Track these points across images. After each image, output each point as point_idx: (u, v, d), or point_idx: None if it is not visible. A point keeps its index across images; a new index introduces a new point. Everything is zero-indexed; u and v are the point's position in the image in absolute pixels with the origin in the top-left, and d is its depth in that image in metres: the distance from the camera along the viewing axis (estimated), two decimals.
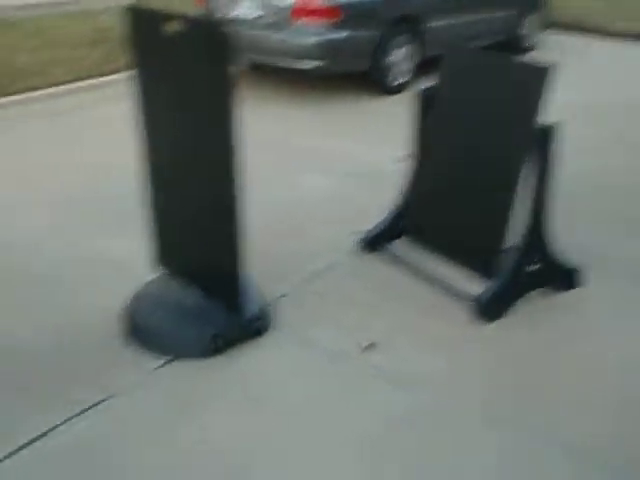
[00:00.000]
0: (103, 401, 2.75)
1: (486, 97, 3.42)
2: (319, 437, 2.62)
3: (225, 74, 2.61)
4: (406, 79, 7.23)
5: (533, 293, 3.48)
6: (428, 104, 3.67)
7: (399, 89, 7.15)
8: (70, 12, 9.43)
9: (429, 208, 3.70)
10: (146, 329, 3.09)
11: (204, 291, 3.11)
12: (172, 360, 2.98)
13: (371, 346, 3.11)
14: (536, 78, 3.13)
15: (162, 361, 2.97)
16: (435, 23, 7.36)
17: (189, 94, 2.75)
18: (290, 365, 3.01)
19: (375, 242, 3.89)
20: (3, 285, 3.54)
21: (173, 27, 2.74)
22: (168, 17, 2.80)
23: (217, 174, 2.77)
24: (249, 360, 3.01)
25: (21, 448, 2.50)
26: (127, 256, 3.73)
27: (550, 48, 9.48)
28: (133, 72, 3.05)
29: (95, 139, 5.65)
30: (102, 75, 7.22)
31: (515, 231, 3.34)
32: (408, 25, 7.11)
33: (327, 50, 6.50)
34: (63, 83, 6.93)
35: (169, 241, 3.24)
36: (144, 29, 2.90)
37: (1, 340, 3.10)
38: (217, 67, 2.60)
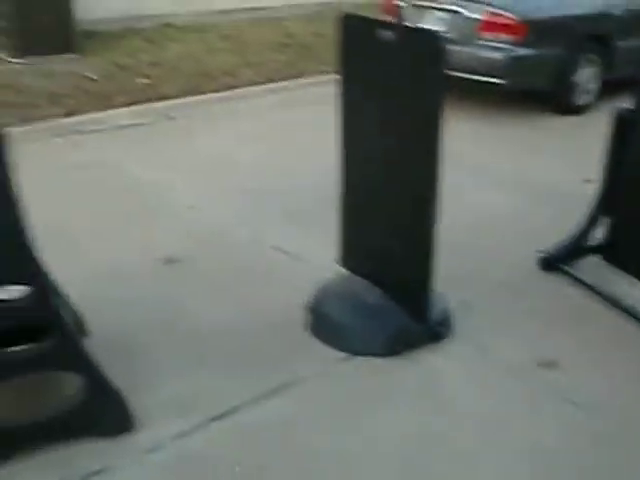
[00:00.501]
0: (289, 385, 2.90)
1: None
2: (492, 443, 2.65)
3: (439, 84, 2.68)
4: (590, 99, 7.01)
5: None
6: (624, 125, 3.57)
7: (581, 109, 6.95)
8: (259, 18, 9.92)
9: (630, 229, 3.57)
10: (329, 323, 3.22)
11: (388, 293, 3.20)
12: (353, 355, 3.10)
13: (548, 364, 3.08)
14: None
15: (343, 355, 3.10)
16: (625, 43, 7.09)
17: (399, 101, 2.85)
18: (467, 372, 3.04)
19: (557, 261, 3.83)
20: (198, 270, 3.81)
21: (388, 35, 2.85)
22: (383, 25, 2.92)
23: (419, 181, 2.85)
24: (428, 363, 3.08)
25: (214, 419, 2.70)
26: (307, 252, 3.91)
27: None
28: (339, 76, 3.18)
29: (281, 138, 5.93)
30: (288, 78, 7.54)
31: None
32: (597, 44, 6.90)
33: (511, 67, 6.44)
34: (252, 84, 7.31)
35: (357, 242, 3.36)
36: (357, 35, 3.03)
37: (200, 322, 3.35)
38: (431, 76, 2.68)
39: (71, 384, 2.55)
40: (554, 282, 3.75)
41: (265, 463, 2.54)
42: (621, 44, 7.04)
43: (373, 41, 2.91)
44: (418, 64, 2.73)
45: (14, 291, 2.30)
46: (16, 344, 2.39)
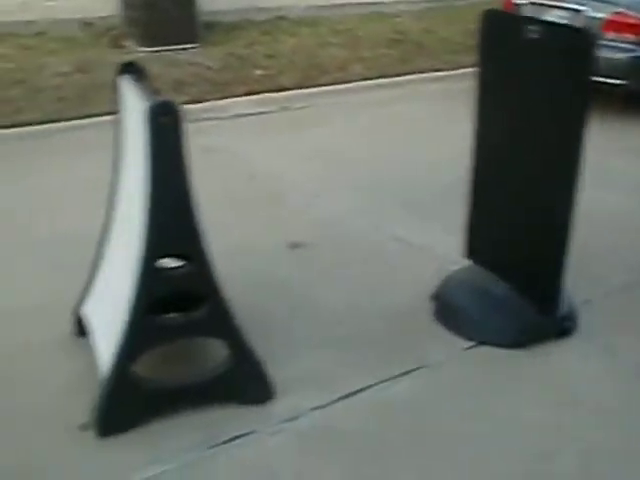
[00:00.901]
0: (418, 369, 3.00)
1: None
2: (616, 440, 2.66)
3: (585, 81, 2.71)
4: None
5: None
6: None
7: None
8: (370, 14, 10.01)
9: None
10: (457, 312, 3.29)
11: (518, 286, 3.23)
12: (480, 344, 3.16)
13: None
14: None
15: (470, 343, 3.16)
16: None
17: (541, 97, 2.89)
18: (593, 369, 3.06)
19: None
20: (323, 256, 3.95)
21: (533, 31, 2.89)
22: (528, 20, 2.96)
23: (558, 179, 2.88)
24: (554, 357, 3.11)
25: (348, 395, 2.82)
26: (428, 243, 4.00)
27: None
28: (478, 70, 3.23)
29: (396, 132, 6.01)
30: (400, 74, 7.61)
31: None
32: None
33: (634, 68, 6.31)
34: (364, 79, 7.42)
35: (486, 235, 3.41)
36: (500, 31, 3.07)
37: (326, 304, 3.49)
38: (579, 73, 2.71)
39: (220, 351, 2.72)
40: None
41: (396, 439, 2.64)
42: None
43: (517, 37, 2.95)
44: (565, 61, 2.75)
45: (180, 261, 2.48)
46: (172, 310, 2.58)
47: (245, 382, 2.72)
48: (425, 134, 5.89)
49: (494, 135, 3.22)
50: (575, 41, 2.71)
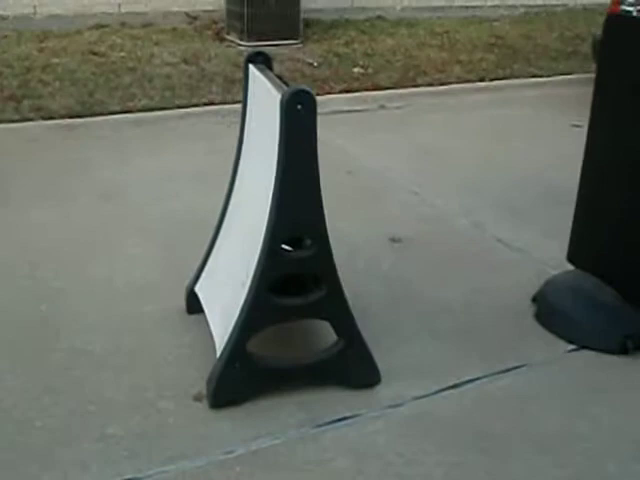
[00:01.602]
0: (520, 367, 3.03)
1: None
2: None
3: None
4: None
5: None
6: None
7: None
8: (467, 17, 10.00)
9: None
10: (560, 315, 3.30)
11: (623, 292, 3.22)
12: (581, 348, 3.17)
13: None
14: None
15: (573, 346, 3.17)
16: None
17: None
18: None
19: None
20: (424, 251, 4.01)
21: None
22: None
23: None
24: None
25: (450, 387, 2.89)
26: (529, 245, 4.03)
27: None
28: (598, 75, 3.22)
29: (494, 134, 6.02)
30: (498, 78, 7.59)
31: None
32: None
33: None
34: (462, 82, 7.44)
35: (592, 240, 3.40)
36: (624, 36, 3.06)
37: (428, 298, 3.55)
38: None
39: (330, 335, 2.82)
40: None
41: (498, 430, 2.68)
42: None
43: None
44: None
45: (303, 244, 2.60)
46: (289, 291, 2.69)
47: (353, 367, 2.80)
48: (523, 138, 5.88)
49: (609, 143, 3.21)
50: None
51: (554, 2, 10.75)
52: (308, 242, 2.61)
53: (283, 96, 2.40)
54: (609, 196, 3.27)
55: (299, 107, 2.37)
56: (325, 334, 2.87)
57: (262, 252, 2.54)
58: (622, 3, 7.12)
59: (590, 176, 3.35)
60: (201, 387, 2.75)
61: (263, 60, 2.99)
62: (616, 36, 3.10)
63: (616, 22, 3.12)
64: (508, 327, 3.33)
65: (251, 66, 2.99)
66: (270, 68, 2.97)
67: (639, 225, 3.10)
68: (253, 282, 2.58)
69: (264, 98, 2.73)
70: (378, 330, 3.18)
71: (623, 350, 3.13)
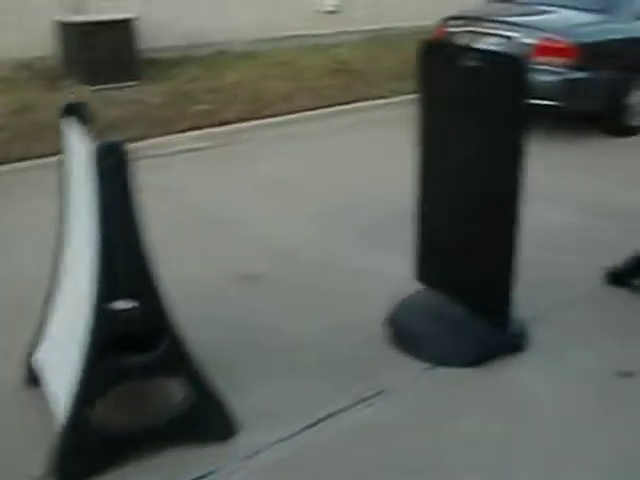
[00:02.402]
0: (379, 393, 3.02)
1: None
2: (573, 452, 2.72)
3: (520, 107, 2.81)
4: None
5: None
6: None
7: (635, 130, 7.01)
8: (308, 45, 10.16)
9: None
10: (412, 335, 3.35)
11: (469, 305, 3.30)
12: (435, 366, 3.20)
13: (630, 373, 3.15)
14: None
15: (428, 365, 3.21)
16: None
17: (481, 122, 2.99)
18: (547, 383, 3.13)
19: (625, 276, 3.91)
20: (277, 286, 3.96)
21: (471, 59, 2.99)
22: (465, 50, 3.06)
23: (501, 200, 2.97)
24: (509, 374, 3.18)
25: (309, 426, 2.83)
26: (383, 268, 4.04)
27: None
28: (419, 100, 3.32)
29: (342, 160, 6.11)
30: (344, 103, 7.72)
31: None
32: None
33: (566, 90, 6.54)
34: (308, 109, 7.51)
35: (434, 258, 3.48)
36: (438, 61, 3.17)
37: (283, 336, 3.49)
38: (513, 99, 2.82)
39: (179, 390, 2.69)
40: (623, 296, 3.83)
41: (366, 463, 2.65)
42: None
43: (455, 65, 3.04)
44: (501, 88, 2.86)
45: (132, 302, 2.46)
46: (129, 351, 2.55)
47: (206, 420, 2.70)
48: (373, 161, 5.98)
49: (437, 162, 3.31)
50: (510, 68, 2.81)
51: (391, 25, 11.12)
52: (138, 299, 2.48)
53: (93, 151, 2.28)
54: (444, 214, 3.35)
55: (110, 160, 2.26)
56: (174, 389, 2.74)
57: (90, 314, 2.40)
58: (448, 25, 7.47)
59: (424, 197, 3.43)
60: (45, 467, 2.55)
61: (79, 111, 2.84)
62: (429, 60, 3.20)
63: (428, 46, 3.21)
64: (365, 355, 3.32)
65: (67, 119, 2.84)
66: (87, 119, 2.83)
67: (475, 241, 3.19)
68: (85, 346, 2.43)
69: (79, 153, 2.60)
70: (235, 375, 3.09)
71: (475, 363, 3.19)
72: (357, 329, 3.51)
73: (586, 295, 3.85)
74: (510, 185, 2.92)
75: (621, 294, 3.86)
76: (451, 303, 3.39)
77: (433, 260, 3.50)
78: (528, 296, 3.69)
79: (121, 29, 7.67)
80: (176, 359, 2.59)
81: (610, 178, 5.73)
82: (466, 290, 3.32)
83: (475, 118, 3.01)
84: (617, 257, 3.98)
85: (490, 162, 2.99)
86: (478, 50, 3.01)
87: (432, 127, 3.28)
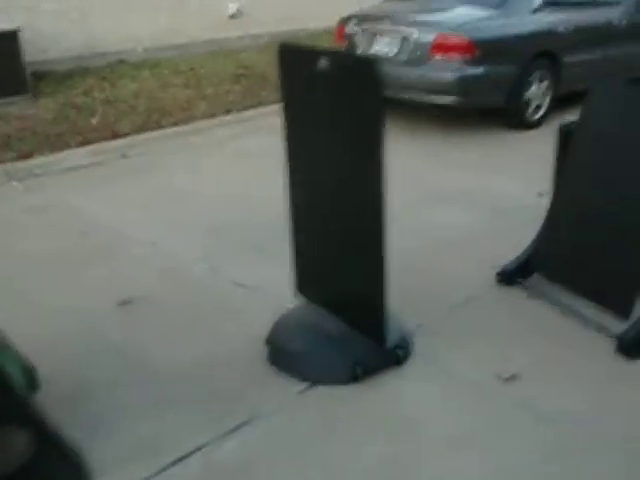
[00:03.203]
0: (253, 420, 2.85)
1: (632, 129, 3.33)
2: (459, 464, 2.61)
3: (377, 109, 2.68)
4: (543, 114, 7.12)
5: None
6: (568, 139, 3.63)
7: (536, 124, 7.05)
8: (211, 50, 9.96)
9: (564, 244, 3.63)
10: (289, 354, 3.18)
11: (346, 320, 3.16)
12: (314, 385, 3.05)
13: (513, 378, 3.07)
14: None
15: (305, 385, 3.05)
16: (572, 58, 7.23)
17: (339, 128, 2.85)
18: (430, 394, 3.01)
19: (513, 276, 3.84)
20: (155, 309, 3.75)
21: (325, 63, 2.85)
22: (320, 53, 2.91)
23: (365, 207, 2.84)
24: (390, 388, 3.04)
25: (177, 461, 2.64)
26: (267, 284, 3.87)
27: None
28: (282, 107, 3.16)
29: (240, 169, 5.93)
30: (246, 109, 7.54)
31: None
32: (546, 61, 7.02)
33: (464, 86, 6.52)
34: (209, 117, 7.30)
35: (311, 271, 3.33)
36: (296, 65, 3.02)
37: (160, 363, 3.29)
38: (370, 102, 2.68)
39: (20, 440, 2.46)
40: (511, 297, 3.75)
41: None
42: (569, 59, 7.18)
43: (311, 70, 2.90)
44: (356, 90, 2.72)
45: None
46: None
47: (53, 470, 2.47)
48: (270, 169, 5.77)
49: (304, 168, 3.16)
50: (364, 70, 2.68)
51: (299, 27, 11.00)
52: None
53: None
54: (315, 225, 3.21)
55: None
56: (16, 438, 2.51)
57: None
58: (347, 24, 7.39)
59: (294, 207, 3.28)
60: None
61: None
62: (287, 65, 3.05)
63: (285, 51, 3.06)
64: (242, 378, 3.14)
65: None
66: None
67: (346, 251, 3.06)
68: None
69: None
70: (100, 412, 2.89)
71: (354, 378, 3.05)
72: (237, 350, 3.33)
73: (474, 298, 3.75)
74: (373, 197, 2.78)
75: (511, 294, 3.79)
76: (330, 317, 3.25)
77: (310, 274, 3.36)
78: (414, 304, 3.60)
79: (5, 40, 7.28)
80: (12, 408, 2.36)
81: (503, 172, 5.71)
82: (342, 304, 3.19)
83: (333, 128, 2.87)
84: (508, 255, 3.91)
85: (352, 175, 2.85)
86: (333, 53, 2.86)
87: (296, 138, 3.13)
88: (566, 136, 3.65)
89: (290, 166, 3.22)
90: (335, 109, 2.83)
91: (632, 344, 3.22)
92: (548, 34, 7.07)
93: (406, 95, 6.85)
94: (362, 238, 2.92)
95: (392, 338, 3.14)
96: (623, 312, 3.26)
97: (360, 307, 3.09)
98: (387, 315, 3.04)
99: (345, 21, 7.47)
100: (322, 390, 3.03)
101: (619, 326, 3.27)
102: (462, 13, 6.94)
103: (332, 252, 3.13)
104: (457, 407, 2.93)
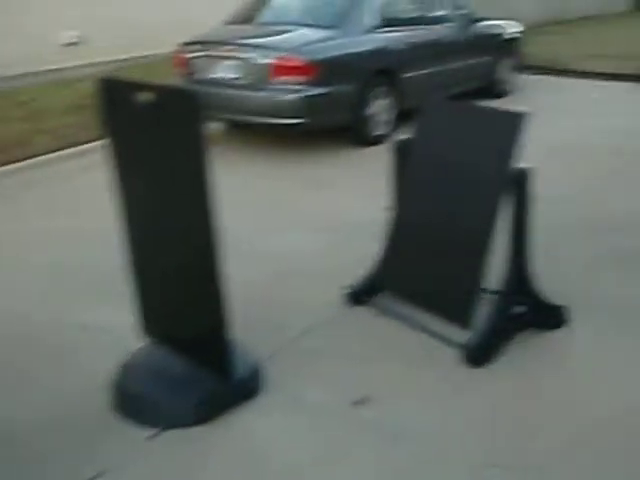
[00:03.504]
0: (100, 476, 2.69)
1: (461, 147, 3.47)
2: None
3: (198, 140, 2.61)
4: (386, 130, 7.31)
5: (521, 333, 3.48)
6: (403, 156, 3.73)
7: (380, 140, 7.20)
8: (52, 80, 9.56)
9: (405, 260, 3.71)
10: (134, 400, 3.05)
11: (191, 357, 3.07)
12: (162, 430, 2.93)
13: (363, 400, 3.08)
14: (511, 125, 3.19)
15: (152, 432, 2.92)
16: (411, 74, 7.52)
17: (162, 162, 2.77)
18: (281, 426, 2.97)
19: (362, 295, 3.88)
20: None
21: (145, 96, 2.77)
22: (139, 86, 2.83)
23: (196, 242, 2.77)
24: (240, 423, 2.97)
25: None
26: (113, 325, 3.69)
27: (526, 90, 9.69)
28: (106, 142, 3.05)
29: (79, 205, 5.68)
30: (87, 142, 7.24)
31: (499, 275, 3.37)
32: (385, 78, 7.24)
33: (307, 107, 6.59)
34: (48, 152, 6.97)
35: (153, 310, 3.22)
36: (116, 99, 2.92)
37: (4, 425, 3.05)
38: (189, 134, 2.62)
39: None
40: (361, 317, 3.79)
41: None
42: (408, 75, 7.45)
43: (131, 104, 2.81)
44: (174, 124, 2.65)
45: None
46: None
47: None
48: (106, 203, 5.60)
49: (133, 203, 3.05)
50: (183, 103, 2.62)
51: (143, 54, 10.77)
52: None
53: None
54: (148, 261, 3.10)
55: None
56: None
57: None
58: (186, 51, 7.29)
59: (129, 241, 3.16)
60: None
61: None
62: (108, 100, 2.95)
63: (105, 85, 2.95)
64: (83, 430, 2.96)
65: None
66: None
67: (182, 285, 2.97)
68: None
69: None
70: None
71: (203, 419, 2.96)
72: (77, 399, 3.15)
73: (323, 321, 3.75)
74: (202, 231, 2.72)
75: (360, 314, 3.81)
76: (174, 356, 3.14)
77: (152, 314, 3.24)
78: (262, 334, 3.55)
79: None
80: None
81: (349, 190, 5.83)
82: (186, 342, 3.10)
83: (157, 164, 2.80)
84: (357, 274, 3.94)
85: (178, 210, 2.78)
86: (153, 87, 2.78)
87: (123, 176, 3.02)
88: (400, 153, 3.74)
89: (121, 204, 3.10)
90: (157, 144, 2.76)
91: (476, 352, 3.31)
92: (385, 52, 7.31)
93: (252, 119, 6.85)
94: (197, 273, 2.84)
95: (241, 372, 3.08)
96: (464, 322, 3.36)
97: (204, 343, 3.01)
98: (232, 349, 2.97)
99: (184, 46, 7.38)
100: (172, 434, 2.92)
101: (464, 336, 3.36)
102: (300, 35, 7.03)
103: (170, 290, 3.04)
104: (308, 435, 2.90)
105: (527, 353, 3.40)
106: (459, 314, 3.35)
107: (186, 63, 7.27)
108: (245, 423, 2.98)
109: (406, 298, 3.70)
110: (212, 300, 2.82)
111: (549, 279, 3.60)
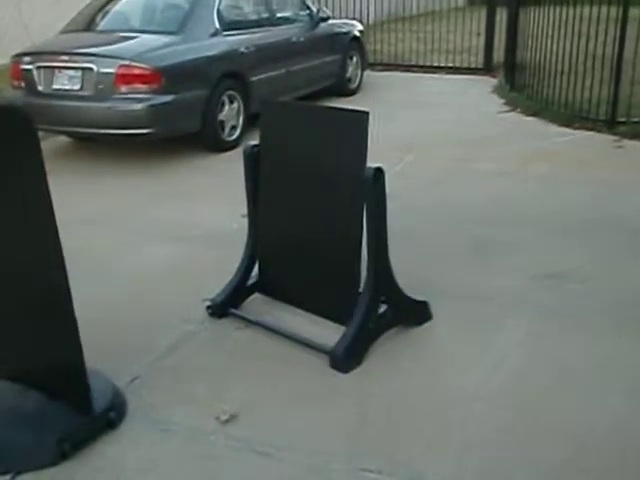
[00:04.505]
0: None
1: (309, 148, 3.46)
2: None
3: (32, 158, 2.42)
4: (239, 134, 7.23)
5: (388, 332, 3.50)
6: (255, 161, 3.67)
7: (234, 144, 7.12)
8: None
9: (277, 262, 3.68)
10: None
11: (46, 392, 2.85)
12: (16, 475, 2.69)
13: (231, 418, 2.97)
14: (355, 124, 3.19)
15: (7, 478, 2.68)
16: (259, 77, 7.48)
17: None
18: (148, 454, 2.79)
19: (226, 306, 3.77)
20: None
21: None
22: None
23: (37, 266, 2.57)
24: (103, 458, 2.77)
25: None
26: None
27: (375, 87, 9.92)
28: None
29: None
30: None
31: (362, 276, 3.38)
32: (233, 82, 7.15)
33: (154, 115, 6.38)
34: None
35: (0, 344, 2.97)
36: None
37: None
38: (21, 151, 2.42)
39: None
40: (225, 329, 3.67)
41: None
42: (255, 78, 7.41)
43: None
44: (5, 141, 2.44)
45: None
46: None
47: None
48: None
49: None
50: (9, 120, 2.41)
51: None
52: None
53: None
54: None
55: None
56: None
57: None
58: (22, 62, 6.88)
59: None
60: None
61: None
62: None
63: None
64: None
65: None
66: None
67: (26, 317, 2.75)
68: None
69: None
70: None
71: (61, 456, 2.74)
72: None
73: (187, 338, 3.59)
74: (42, 260, 2.53)
75: (224, 326, 3.69)
76: (27, 393, 2.90)
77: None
78: (123, 358, 3.37)
79: None
80: None
81: (205, 198, 5.74)
82: (39, 376, 2.87)
83: None
84: (219, 285, 3.83)
85: (14, 226, 2.57)
86: None
87: None
88: (251, 159, 3.67)
89: None
90: None
91: (343, 358, 3.26)
92: (231, 55, 7.22)
93: (97, 131, 6.56)
94: (42, 302, 2.64)
95: (101, 401, 2.90)
96: (341, 321, 3.34)
97: (57, 376, 2.80)
98: (89, 378, 2.79)
99: (19, 57, 6.95)
100: (28, 477, 2.69)
101: (333, 340, 3.32)
102: (142, 42, 6.79)
103: (17, 324, 2.80)
104: (180, 463, 2.75)
105: (392, 352, 3.41)
106: (337, 313, 3.36)
107: (22, 75, 6.85)
108: (112, 457, 2.78)
109: (284, 301, 3.67)
110: (64, 330, 2.63)
111: (408, 273, 3.65)
